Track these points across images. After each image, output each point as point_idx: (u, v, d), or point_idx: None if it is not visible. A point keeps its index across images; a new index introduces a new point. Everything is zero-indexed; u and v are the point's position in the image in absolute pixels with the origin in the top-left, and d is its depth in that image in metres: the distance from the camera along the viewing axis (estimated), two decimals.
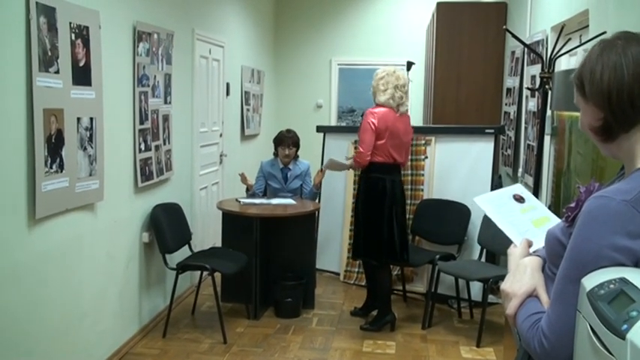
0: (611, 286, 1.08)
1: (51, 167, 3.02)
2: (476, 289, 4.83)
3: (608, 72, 1.23)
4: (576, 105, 1.34)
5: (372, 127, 4.27)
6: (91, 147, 3.41)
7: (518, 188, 1.73)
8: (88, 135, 3.38)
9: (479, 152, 5.05)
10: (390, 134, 4.30)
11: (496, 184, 5.06)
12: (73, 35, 3.18)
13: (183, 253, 4.55)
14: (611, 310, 1.04)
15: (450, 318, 4.82)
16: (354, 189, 5.59)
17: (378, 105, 4.36)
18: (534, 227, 1.58)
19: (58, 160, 3.08)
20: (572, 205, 1.30)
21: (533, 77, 4.50)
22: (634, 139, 1.25)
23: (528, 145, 4.62)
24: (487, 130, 5.06)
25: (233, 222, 4.86)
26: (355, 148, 5.54)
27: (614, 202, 1.17)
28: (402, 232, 4.46)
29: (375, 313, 4.64)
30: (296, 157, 5.34)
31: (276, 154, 5.34)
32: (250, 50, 7.14)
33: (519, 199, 1.68)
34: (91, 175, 3.42)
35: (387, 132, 4.28)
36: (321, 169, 5.24)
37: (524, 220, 1.61)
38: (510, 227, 1.59)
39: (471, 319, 4.78)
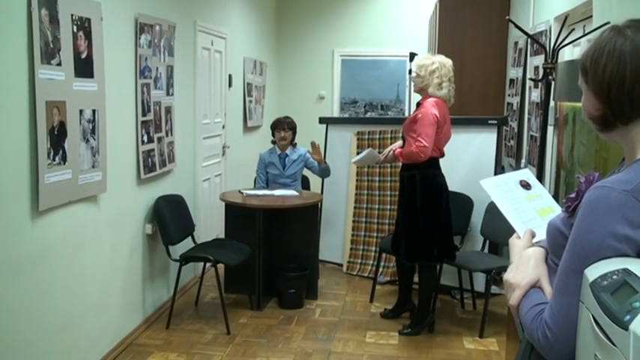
0: (614, 277, 1.08)
1: (54, 159, 3.02)
2: (479, 279, 4.83)
3: (611, 65, 1.22)
4: (579, 87, 1.33)
5: (436, 119, 4.01)
6: (94, 139, 3.42)
7: (526, 174, 1.70)
8: (91, 127, 3.38)
9: (482, 143, 5.04)
10: (446, 127, 4.15)
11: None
12: (74, 27, 3.17)
13: (186, 244, 4.56)
14: (613, 301, 1.04)
15: (452, 309, 4.83)
16: (357, 180, 5.60)
17: (431, 96, 4.13)
18: (538, 217, 1.56)
19: (60, 152, 3.08)
20: (573, 195, 1.29)
21: (536, 68, 4.48)
22: (634, 132, 1.25)
23: (531, 136, 4.60)
24: (490, 121, 5.05)
25: (236, 213, 4.87)
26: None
27: (614, 192, 1.16)
28: (451, 227, 4.31)
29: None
30: (294, 144, 5.34)
31: (273, 142, 5.35)
32: (252, 42, 7.12)
33: (526, 186, 1.66)
34: (93, 167, 3.42)
35: (445, 125, 4.12)
36: (316, 149, 5.14)
37: (529, 208, 1.59)
38: (514, 215, 1.57)
39: (474, 309, 4.78)
